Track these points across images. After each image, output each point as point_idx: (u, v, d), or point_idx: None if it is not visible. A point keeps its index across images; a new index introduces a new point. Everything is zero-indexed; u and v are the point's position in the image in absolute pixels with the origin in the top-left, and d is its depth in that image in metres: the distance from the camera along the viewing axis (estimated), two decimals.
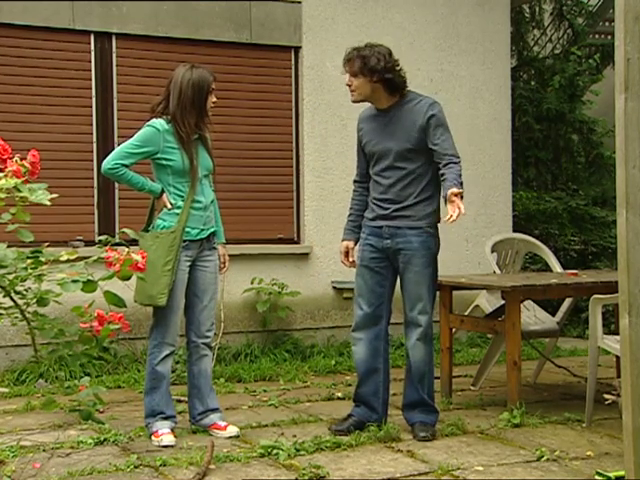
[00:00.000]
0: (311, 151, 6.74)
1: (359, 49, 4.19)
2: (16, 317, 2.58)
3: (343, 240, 4.46)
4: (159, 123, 4.14)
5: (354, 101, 4.29)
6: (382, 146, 4.23)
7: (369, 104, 4.35)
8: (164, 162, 4.14)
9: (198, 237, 4.19)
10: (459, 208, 3.86)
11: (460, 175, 4.05)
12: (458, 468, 3.66)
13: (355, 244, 4.42)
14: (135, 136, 4.16)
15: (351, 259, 4.41)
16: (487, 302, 5.56)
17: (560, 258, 7.71)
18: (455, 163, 4.09)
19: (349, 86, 4.23)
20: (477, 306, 5.70)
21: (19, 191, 2.47)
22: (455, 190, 3.91)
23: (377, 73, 4.13)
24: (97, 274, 2.54)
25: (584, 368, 5.40)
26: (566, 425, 4.44)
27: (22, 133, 5.79)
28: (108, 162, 4.11)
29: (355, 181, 4.49)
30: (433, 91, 7.13)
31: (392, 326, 4.43)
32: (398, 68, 4.22)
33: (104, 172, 4.15)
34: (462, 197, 3.94)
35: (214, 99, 4.23)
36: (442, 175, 4.09)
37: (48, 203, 2.48)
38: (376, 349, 4.31)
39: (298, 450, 3.87)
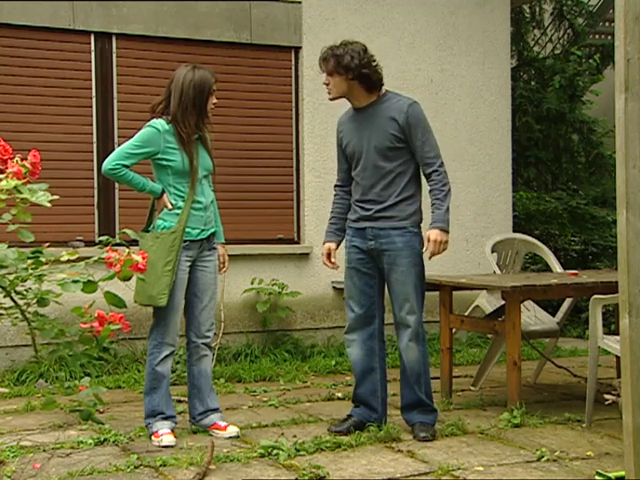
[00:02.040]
0: (311, 151, 6.74)
1: (333, 48, 4.20)
2: (16, 317, 2.58)
3: (325, 242, 4.46)
4: (159, 123, 4.14)
5: (331, 99, 4.31)
6: (361, 144, 4.24)
7: (346, 109, 4.39)
8: (164, 162, 4.14)
9: (198, 237, 4.19)
10: (437, 250, 4.14)
11: (441, 187, 4.15)
12: (458, 468, 3.66)
13: (337, 246, 4.43)
14: (135, 136, 4.16)
15: (333, 260, 4.41)
16: (487, 302, 5.56)
17: (560, 258, 7.72)
18: (437, 171, 4.17)
19: (326, 85, 4.26)
20: (477, 306, 5.69)
21: (20, 192, 2.47)
22: (433, 237, 4.10)
23: (352, 70, 4.14)
24: (97, 274, 2.54)
25: (584, 368, 5.40)
26: (566, 425, 4.44)
27: (22, 133, 5.79)
28: (109, 162, 4.12)
29: (336, 186, 4.48)
30: (433, 91, 7.15)
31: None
32: (374, 64, 4.21)
33: (104, 172, 4.15)
34: (448, 233, 4.17)
35: (215, 100, 4.24)
36: (430, 192, 4.21)
37: (48, 205, 2.48)
38: (371, 349, 4.32)
39: (298, 450, 3.87)
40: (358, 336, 4.32)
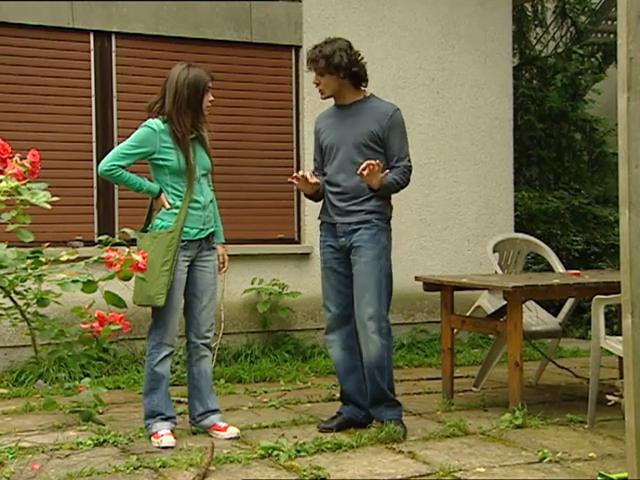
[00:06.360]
0: (311, 151, 6.69)
1: (320, 48, 4.22)
2: (16, 318, 2.57)
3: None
4: (155, 123, 4.13)
5: (324, 98, 4.34)
6: (339, 137, 4.28)
7: (325, 108, 4.41)
8: (161, 162, 4.13)
9: (197, 237, 4.18)
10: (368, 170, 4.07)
11: (402, 175, 4.23)
12: (460, 469, 3.65)
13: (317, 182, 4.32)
14: (131, 137, 4.15)
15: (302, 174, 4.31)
16: (489, 302, 5.54)
17: (562, 258, 7.69)
18: (399, 167, 4.22)
19: (317, 84, 4.27)
20: (479, 307, 5.67)
21: (19, 194, 2.45)
22: (374, 162, 4.07)
23: (343, 69, 4.18)
24: (97, 274, 2.52)
25: (586, 369, 5.37)
26: (568, 426, 4.42)
27: (22, 133, 5.77)
28: (105, 163, 4.11)
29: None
30: (435, 90, 7.13)
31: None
32: (360, 59, 4.26)
33: (101, 173, 4.14)
34: (381, 171, 4.13)
35: (210, 98, 4.21)
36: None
37: (48, 207, 2.46)
38: (351, 348, 4.35)
39: (299, 451, 3.86)
40: (337, 336, 4.36)
